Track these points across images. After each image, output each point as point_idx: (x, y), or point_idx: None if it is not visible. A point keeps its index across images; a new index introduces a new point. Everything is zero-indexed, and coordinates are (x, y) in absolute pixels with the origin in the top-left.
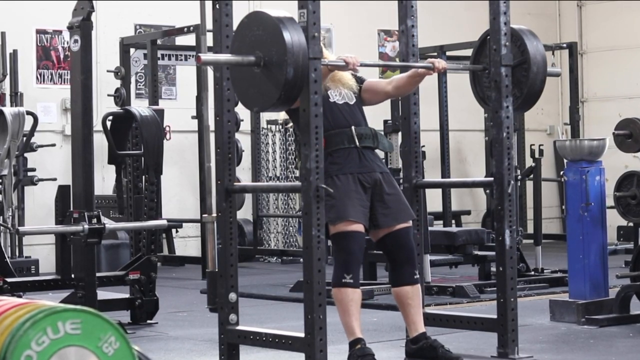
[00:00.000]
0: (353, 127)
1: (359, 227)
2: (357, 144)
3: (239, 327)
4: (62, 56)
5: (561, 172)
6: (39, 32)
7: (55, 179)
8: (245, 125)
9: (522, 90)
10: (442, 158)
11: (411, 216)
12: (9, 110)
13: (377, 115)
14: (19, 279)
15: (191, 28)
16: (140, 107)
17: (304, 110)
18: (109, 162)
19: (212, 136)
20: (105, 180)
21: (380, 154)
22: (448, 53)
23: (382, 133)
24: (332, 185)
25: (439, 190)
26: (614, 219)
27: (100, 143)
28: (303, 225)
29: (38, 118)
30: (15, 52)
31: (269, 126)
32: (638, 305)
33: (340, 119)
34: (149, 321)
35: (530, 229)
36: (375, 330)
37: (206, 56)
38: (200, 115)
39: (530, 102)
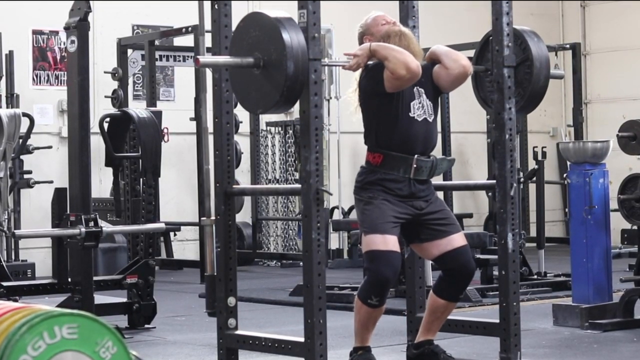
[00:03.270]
0: (416, 157)
1: (395, 244)
2: (411, 176)
3: (238, 332)
4: (58, 57)
5: (564, 175)
6: (35, 32)
7: (51, 182)
8: (245, 127)
9: (525, 92)
10: None
11: (460, 230)
12: (4, 112)
13: None
14: (15, 283)
15: (189, 29)
16: (137, 108)
17: (304, 112)
18: (106, 165)
19: (210, 138)
20: (102, 182)
21: None
22: None
23: (444, 157)
24: (369, 202)
25: (441, 193)
26: (618, 222)
27: (97, 145)
28: (303, 228)
29: (34, 120)
30: (11, 53)
31: (268, 128)
32: None
33: (410, 142)
34: (146, 325)
35: (533, 232)
36: (375, 334)
37: (205, 58)
38: (198, 117)
39: (533, 103)
